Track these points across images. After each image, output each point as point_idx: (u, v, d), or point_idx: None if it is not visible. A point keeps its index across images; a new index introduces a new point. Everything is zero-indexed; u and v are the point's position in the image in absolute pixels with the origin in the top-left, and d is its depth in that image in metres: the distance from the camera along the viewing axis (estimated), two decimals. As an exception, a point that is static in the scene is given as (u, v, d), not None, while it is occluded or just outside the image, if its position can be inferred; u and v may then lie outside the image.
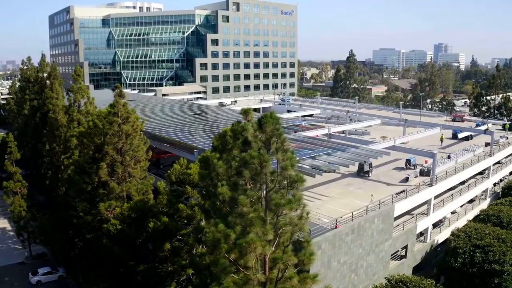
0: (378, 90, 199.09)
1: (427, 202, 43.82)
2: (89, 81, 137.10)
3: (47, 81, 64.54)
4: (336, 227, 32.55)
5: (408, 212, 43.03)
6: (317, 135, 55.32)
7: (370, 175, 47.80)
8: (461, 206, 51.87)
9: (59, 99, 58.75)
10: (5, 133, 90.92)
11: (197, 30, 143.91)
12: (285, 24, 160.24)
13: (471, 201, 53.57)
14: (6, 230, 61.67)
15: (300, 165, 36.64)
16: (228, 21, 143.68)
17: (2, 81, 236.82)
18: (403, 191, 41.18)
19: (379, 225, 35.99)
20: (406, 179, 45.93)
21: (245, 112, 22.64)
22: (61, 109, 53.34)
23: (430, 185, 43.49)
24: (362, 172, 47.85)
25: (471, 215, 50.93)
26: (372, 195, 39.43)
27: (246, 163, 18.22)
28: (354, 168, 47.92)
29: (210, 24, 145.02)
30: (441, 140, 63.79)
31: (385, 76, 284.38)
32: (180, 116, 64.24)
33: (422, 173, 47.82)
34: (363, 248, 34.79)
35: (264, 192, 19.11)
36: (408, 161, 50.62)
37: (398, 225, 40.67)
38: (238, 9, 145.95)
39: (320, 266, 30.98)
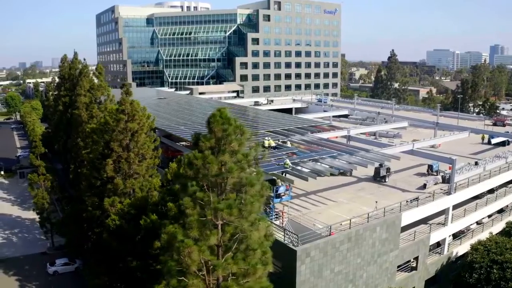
0: (427, 91, 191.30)
1: (445, 212, 40.97)
2: (131, 79, 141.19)
3: (79, 79, 66.71)
4: (330, 234, 30.98)
5: (424, 221, 40.54)
6: (336, 137, 53.47)
7: (387, 180, 45.46)
8: (489, 217, 48.28)
9: (87, 96, 60.54)
10: (45, 127, 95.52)
11: (239, 29, 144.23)
12: (328, 23, 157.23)
13: (501, 211, 49.75)
14: (36, 221, 64.16)
15: (299, 168, 35.36)
16: (269, 20, 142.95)
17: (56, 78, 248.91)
18: (416, 198, 38.69)
19: (382, 234, 33.92)
20: (424, 186, 43.25)
21: (219, 111, 21.86)
22: (84, 106, 54.88)
23: (448, 193, 40.64)
24: (378, 177, 45.60)
25: (499, 226, 47.32)
26: (376, 202, 37.30)
27: (191, 164, 17.46)
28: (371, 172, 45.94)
29: (252, 23, 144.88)
30: (482, 138, 62.96)
31: (436, 78, 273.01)
32: (201, 114, 64.18)
33: (444, 179, 44.83)
34: (362, 257, 32.89)
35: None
36: (430, 167, 47.69)
37: (410, 235, 38.34)
38: (279, 8, 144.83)
39: (310, 274, 29.57)
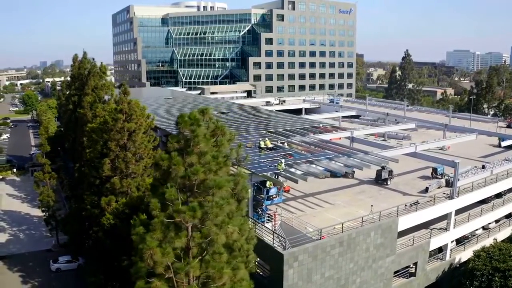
0: (441, 92, 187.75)
1: (447, 216, 39.81)
2: (146, 78, 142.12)
3: (87, 78, 67.23)
4: (321, 238, 30.32)
5: (426, 226, 39.48)
6: (340, 138, 52.61)
7: (388, 183, 44.50)
8: (496, 222, 46.83)
9: (92, 95, 60.96)
10: (58, 126, 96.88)
11: (253, 29, 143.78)
12: (343, 23, 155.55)
13: (509, 216, 48.18)
14: (43, 218, 64.99)
15: (293, 169, 34.69)
16: (283, 20, 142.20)
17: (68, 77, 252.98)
18: (416, 202, 37.66)
19: (377, 239, 33.05)
20: (426, 190, 42.15)
21: (202, 111, 21.54)
22: (88, 105, 55.27)
23: (451, 197, 39.47)
24: (380, 180, 44.67)
25: (506, 232, 45.88)
26: (372, 205, 36.44)
27: (157, 166, 17.14)
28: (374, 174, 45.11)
29: (266, 23, 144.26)
30: (499, 139, 61.82)
31: (455, 79, 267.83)
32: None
33: (448, 183, 43.64)
34: (356, 262, 32.11)
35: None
36: (434, 170, 46.48)
37: (409, 240, 37.34)
38: (293, 8, 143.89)
39: (298, 279, 28.95)
